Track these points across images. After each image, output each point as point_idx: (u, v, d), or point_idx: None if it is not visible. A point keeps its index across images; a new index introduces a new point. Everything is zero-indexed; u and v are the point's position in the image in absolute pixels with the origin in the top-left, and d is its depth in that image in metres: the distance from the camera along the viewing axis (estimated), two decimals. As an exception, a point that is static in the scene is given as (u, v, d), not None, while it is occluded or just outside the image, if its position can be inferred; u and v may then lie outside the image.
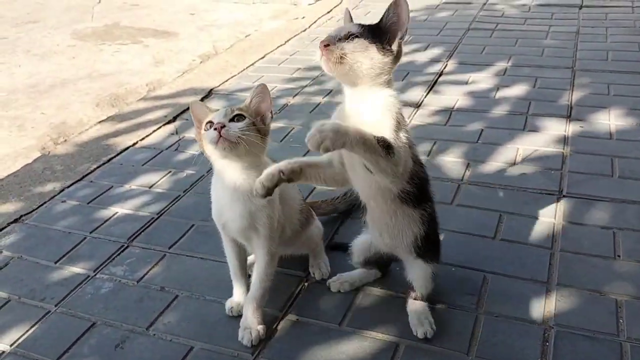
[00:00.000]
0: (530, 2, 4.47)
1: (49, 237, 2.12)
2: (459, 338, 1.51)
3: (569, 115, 2.64)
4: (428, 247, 1.50)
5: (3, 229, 2.20)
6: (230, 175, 1.50)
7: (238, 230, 1.55)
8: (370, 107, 1.31)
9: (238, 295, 1.69)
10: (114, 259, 1.97)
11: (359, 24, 1.29)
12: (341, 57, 1.24)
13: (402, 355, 1.48)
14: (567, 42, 3.54)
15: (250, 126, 1.46)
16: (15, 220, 2.25)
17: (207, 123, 1.49)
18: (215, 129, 1.42)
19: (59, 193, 2.42)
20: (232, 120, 1.46)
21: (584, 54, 3.33)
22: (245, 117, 1.47)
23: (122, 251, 2.01)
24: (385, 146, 1.24)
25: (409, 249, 1.49)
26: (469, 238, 1.87)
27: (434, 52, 3.59)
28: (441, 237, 1.61)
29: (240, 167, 1.48)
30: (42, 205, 2.34)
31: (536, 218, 1.96)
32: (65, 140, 3.04)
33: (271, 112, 1.55)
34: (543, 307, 1.59)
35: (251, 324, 1.58)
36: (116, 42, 4.77)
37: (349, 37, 1.26)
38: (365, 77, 1.29)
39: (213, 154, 1.48)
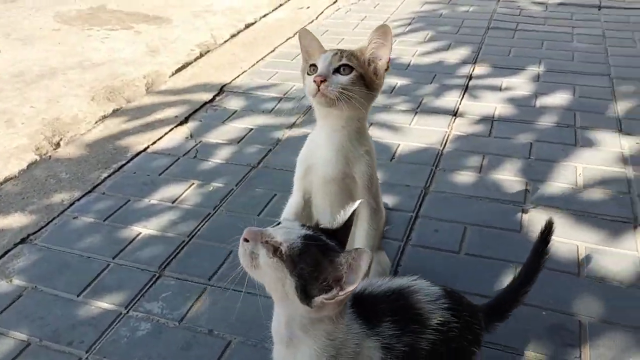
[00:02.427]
0: (547, 0, 4.32)
1: (65, 263, 1.84)
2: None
3: (620, 129, 2.48)
4: None
5: (9, 251, 1.92)
6: (328, 122, 1.35)
7: (329, 174, 1.36)
8: None
9: None
10: (146, 291, 1.72)
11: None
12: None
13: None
14: (595, 47, 3.39)
15: (357, 81, 1.27)
16: (23, 240, 1.97)
17: (311, 66, 1.31)
18: (314, 80, 1.25)
19: (69, 207, 2.14)
20: (337, 70, 1.27)
21: (617, 60, 3.19)
22: (352, 69, 1.27)
23: (154, 282, 1.76)
24: None
25: None
26: (551, 275, 1.69)
27: (459, 52, 3.40)
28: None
29: (339, 117, 1.32)
30: (51, 221, 2.06)
31: (618, 250, 1.79)
32: (61, 140, 2.73)
33: (388, 63, 1.33)
34: (651, 359, 1.43)
35: None
36: (105, 27, 4.41)
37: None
38: None
39: (311, 101, 1.33)
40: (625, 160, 2.26)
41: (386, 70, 1.33)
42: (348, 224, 1.05)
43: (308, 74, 1.32)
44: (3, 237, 1.99)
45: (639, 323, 1.53)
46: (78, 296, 1.71)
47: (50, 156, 2.53)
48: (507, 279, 1.67)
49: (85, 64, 3.71)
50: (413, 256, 1.80)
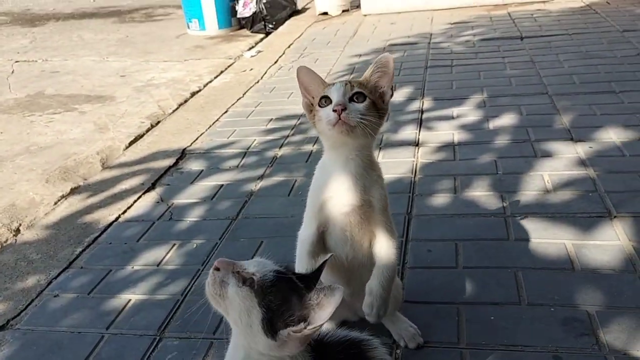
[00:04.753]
0: (473, 37, 4.62)
1: (55, 342, 1.73)
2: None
3: (571, 137, 2.65)
4: None
5: (-11, 340, 1.79)
6: (341, 152, 1.34)
7: (350, 204, 1.35)
8: None
9: None
10: (150, 356, 1.64)
11: None
12: None
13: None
14: (528, 71, 3.64)
15: (371, 107, 1.29)
16: (3, 327, 1.84)
17: (322, 98, 1.32)
18: (334, 110, 1.26)
19: (47, 286, 2.03)
20: (351, 99, 1.29)
21: (551, 79, 3.43)
22: (365, 97, 1.29)
23: (156, 345, 1.68)
24: None
25: None
26: (549, 274, 1.75)
27: (405, 91, 3.56)
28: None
29: (352, 146, 1.33)
30: (30, 303, 1.95)
31: (602, 242, 1.88)
32: (20, 225, 2.61)
33: (392, 89, 1.37)
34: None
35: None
36: (47, 112, 4.33)
37: None
38: None
39: (326, 132, 1.33)
40: (584, 163, 2.40)
41: (390, 97, 1.37)
42: (318, 273, 1.05)
43: (320, 106, 1.33)
44: (-20, 327, 1.86)
45: (644, 302, 1.59)
46: (77, 373, 1.60)
47: (16, 240, 2.41)
48: (510, 285, 1.72)
49: (33, 148, 3.62)
50: (413, 278, 1.82)
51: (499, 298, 1.67)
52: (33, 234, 2.45)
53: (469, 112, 3.10)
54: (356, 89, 1.30)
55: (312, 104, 1.37)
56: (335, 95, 1.29)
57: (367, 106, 1.29)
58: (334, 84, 1.34)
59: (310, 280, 1.02)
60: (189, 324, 1.75)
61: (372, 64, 1.35)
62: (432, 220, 2.13)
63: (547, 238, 1.93)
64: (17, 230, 2.56)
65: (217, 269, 0.98)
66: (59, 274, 2.09)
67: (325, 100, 1.31)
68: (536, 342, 1.50)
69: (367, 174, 1.35)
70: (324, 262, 1.07)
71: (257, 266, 0.98)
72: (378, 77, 1.34)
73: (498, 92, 3.34)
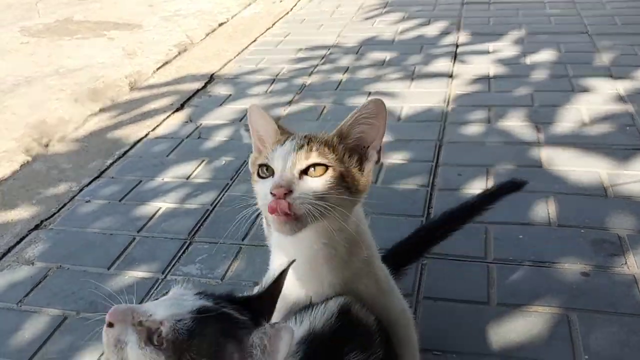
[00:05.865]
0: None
1: (88, 242, 1.78)
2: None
3: (610, 75, 2.56)
4: None
5: (24, 237, 1.84)
6: (301, 244, 0.93)
7: None
8: None
9: None
10: (180, 257, 1.67)
11: None
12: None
13: None
14: (568, 11, 3.51)
15: (336, 183, 0.87)
16: (37, 227, 1.89)
17: (261, 166, 0.91)
18: (272, 193, 0.84)
19: (78, 192, 2.07)
20: (305, 171, 0.87)
21: (591, 20, 3.30)
22: (327, 168, 0.87)
23: (187, 248, 1.71)
24: None
25: None
26: (581, 199, 1.73)
27: (439, 25, 3.46)
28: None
29: (313, 235, 0.91)
30: (62, 207, 1.99)
31: (637, 172, 1.84)
32: (50, 141, 2.63)
33: (380, 151, 0.94)
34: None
35: None
36: (75, 37, 4.31)
37: None
38: None
39: (266, 216, 0.93)
40: (623, 99, 2.33)
41: (377, 162, 0.93)
42: (274, 290, 0.80)
43: (259, 175, 0.91)
44: (14, 226, 1.91)
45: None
46: (109, 269, 1.65)
47: (47, 151, 2.45)
48: (541, 208, 1.70)
49: (62, 70, 3.62)
50: (442, 199, 1.81)
51: (528, 219, 1.66)
52: (64, 146, 2.48)
53: (505, 48, 3.01)
54: (314, 157, 0.87)
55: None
56: (278, 164, 0.87)
57: (328, 182, 0.86)
58: (285, 139, 0.91)
59: (263, 303, 0.78)
60: (218, 231, 1.78)
61: (355, 110, 0.91)
62: (464, 147, 2.11)
63: (581, 166, 1.89)
64: (47, 146, 2.60)
65: (111, 325, 0.69)
66: (89, 182, 2.12)
67: (266, 169, 0.90)
68: (564, 260, 1.49)
69: (346, 263, 0.95)
70: (281, 274, 0.79)
71: (169, 308, 0.69)
72: (361, 132, 0.92)
73: (536, 29, 3.24)
